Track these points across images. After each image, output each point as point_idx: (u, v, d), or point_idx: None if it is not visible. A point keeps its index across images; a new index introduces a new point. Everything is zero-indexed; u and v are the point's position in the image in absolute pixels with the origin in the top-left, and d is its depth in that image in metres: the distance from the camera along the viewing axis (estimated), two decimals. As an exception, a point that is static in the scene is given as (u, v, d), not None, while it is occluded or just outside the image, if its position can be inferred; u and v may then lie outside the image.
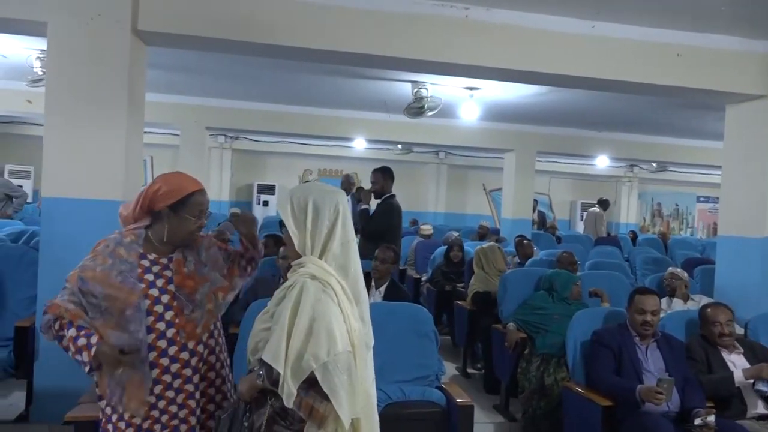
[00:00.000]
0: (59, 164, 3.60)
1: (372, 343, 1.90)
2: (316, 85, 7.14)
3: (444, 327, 5.99)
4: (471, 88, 6.88)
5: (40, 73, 5.93)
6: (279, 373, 1.68)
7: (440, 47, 4.16)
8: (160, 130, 10.52)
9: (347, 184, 6.47)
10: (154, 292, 2.04)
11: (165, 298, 2.05)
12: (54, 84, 3.61)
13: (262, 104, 8.46)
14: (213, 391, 2.18)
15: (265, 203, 13.77)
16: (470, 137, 9.47)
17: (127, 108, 3.66)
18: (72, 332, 1.94)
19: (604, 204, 11.45)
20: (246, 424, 1.80)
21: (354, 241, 1.90)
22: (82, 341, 1.92)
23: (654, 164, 13.83)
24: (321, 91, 7.46)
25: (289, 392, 1.67)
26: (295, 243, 1.84)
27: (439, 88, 6.75)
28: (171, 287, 2.07)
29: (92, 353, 1.90)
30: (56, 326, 1.97)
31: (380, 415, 1.91)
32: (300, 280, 1.77)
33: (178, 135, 9.02)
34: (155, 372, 2.03)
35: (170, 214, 2.07)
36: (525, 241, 6.68)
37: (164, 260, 2.09)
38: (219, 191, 12.98)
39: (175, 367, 2.06)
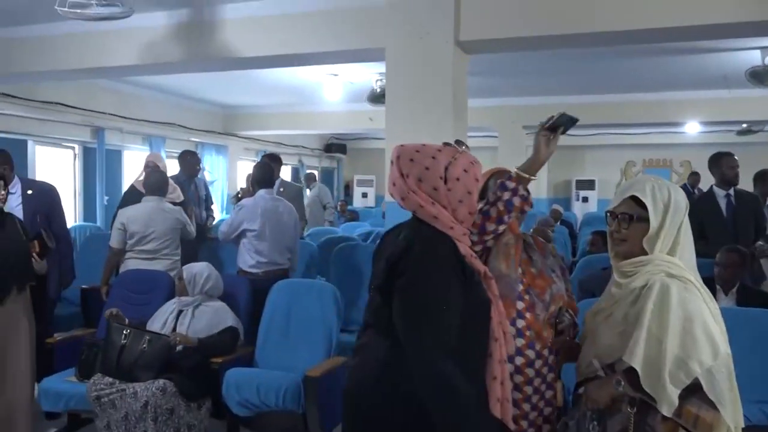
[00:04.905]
0: (398, 171, 4.05)
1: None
2: (635, 69, 6.58)
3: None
4: None
5: (378, 91, 6.82)
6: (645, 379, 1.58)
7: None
8: (479, 133, 11.06)
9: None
10: None
11: (518, 287, 2.01)
12: (393, 100, 4.07)
13: (577, 96, 8.15)
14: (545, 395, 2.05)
15: (585, 199, 13.29)
16: None
17: (453, 116, 3.91)
18: None
19: None
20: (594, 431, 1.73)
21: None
22: None
23: None
24: (641, 74, 6.85)
25: (670, 401, 1.55)
26: (643, 237, 1.69)
27: (800, 50, 5.58)
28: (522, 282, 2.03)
29: None
30: None
31: (738, 438, 1.66)
32: (657, 279, 1.64)
33: (496, 137, 9.34)
34: None
35: None
36: None
37: None
38: (537, 188, 12.99)
39: (519, 361, 1.95)
